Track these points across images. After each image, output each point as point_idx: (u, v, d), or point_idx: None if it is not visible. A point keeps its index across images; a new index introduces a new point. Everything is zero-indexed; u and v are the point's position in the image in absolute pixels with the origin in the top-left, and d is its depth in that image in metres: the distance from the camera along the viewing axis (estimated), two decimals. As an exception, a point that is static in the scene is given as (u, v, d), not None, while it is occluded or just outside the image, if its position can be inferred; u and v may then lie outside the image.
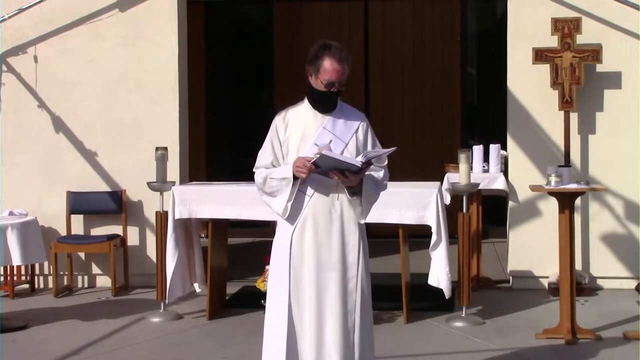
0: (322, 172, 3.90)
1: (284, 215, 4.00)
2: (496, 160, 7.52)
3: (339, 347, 3.91)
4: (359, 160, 3.83)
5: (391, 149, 3.98)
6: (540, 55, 7.19)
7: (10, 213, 6.92)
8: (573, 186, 5.83)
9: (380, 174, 4.07)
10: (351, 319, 3.95)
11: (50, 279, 7.63)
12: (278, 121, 4.09)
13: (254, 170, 4.11)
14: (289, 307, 3.96)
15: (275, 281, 4.06)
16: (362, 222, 3.99)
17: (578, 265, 6.87)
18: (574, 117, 7.28)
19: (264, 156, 4.09)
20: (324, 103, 4.02)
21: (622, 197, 7.29)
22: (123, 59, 7.69)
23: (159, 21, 7.65)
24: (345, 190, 3.93)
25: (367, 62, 10.48)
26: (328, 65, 3.93)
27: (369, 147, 4.04)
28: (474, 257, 7.39)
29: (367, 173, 3.97)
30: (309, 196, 3.96)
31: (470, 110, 10.81)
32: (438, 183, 6.41)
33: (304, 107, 4.08)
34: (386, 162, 4.12)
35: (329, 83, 3.95)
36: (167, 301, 6.49)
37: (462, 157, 6.40)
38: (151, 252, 7.42)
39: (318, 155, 3.80)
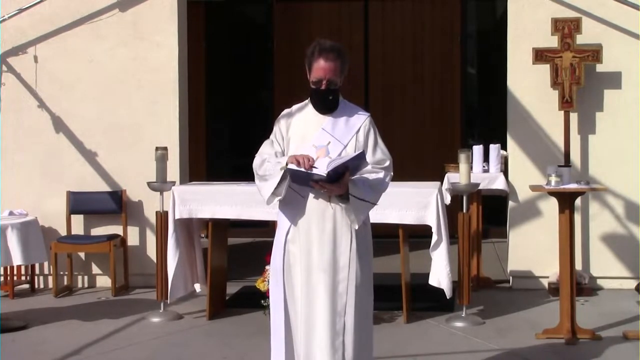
0: (303, 184, 3.88)
1: (268, 203, 3.99)
2: (496, 160, 7.52)
3: (326, 350, 3.89)
4: (324, 171, 3.76)
5: (357, 153, 3.88)
6: (540, 55, 7.19)
7: (10, 213, 6.93)
8: (573, 186, 5.83)
9: (379, 175, 4.00)
10: (340, 322, 3.92)
11: (50, 279, 7.63)
12: (282, 119, 4.08)
13: (256, 155, 4.09)
14: (285, 305, 3.98)
15: (272, 280, 4.10)
16: (355, 227, 3.93)
17: (578, 265, 6.87)
18: (574, 117, 7.28)
19: (268, 145, 4.06)
20: (318, 102, 4.00)
21: (622, 197, 7.29)
22: (123, 59, 7.69)
23: (159, 21, 7.65)
24: (337, 197, 3.89)
25: (367, 62, 10.48)
26: (316, 63, 3.94)
27: (369, 148, 4.01)
28: (474, 257, 7.39)
29: (361, 177, 3.92)
30: (304, 198, 3.95)
31: (470, 110, 10.81)
32: (438, 183, 6.41)
33: (308, 107, 4.07)
34: (388, 163, 4.05)
35: (317, 80, 3.95)
36: (168, 301, 6.49)
37: (462, 157, 6.40)
38: (151, 252, 7.42)
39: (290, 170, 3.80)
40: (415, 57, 10.51)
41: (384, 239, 6.94)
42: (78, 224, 7.75)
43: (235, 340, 5.91)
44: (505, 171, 7.57)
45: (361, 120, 4.04)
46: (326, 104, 4.00)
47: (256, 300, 6.28)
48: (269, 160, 3.97)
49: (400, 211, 6.08)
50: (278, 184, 3.89)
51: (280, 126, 4.06)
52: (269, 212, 4.19)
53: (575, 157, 7.30)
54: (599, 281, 7.36)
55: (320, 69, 3.92)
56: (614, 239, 7.34)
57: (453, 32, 10.39)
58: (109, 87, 7.71)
